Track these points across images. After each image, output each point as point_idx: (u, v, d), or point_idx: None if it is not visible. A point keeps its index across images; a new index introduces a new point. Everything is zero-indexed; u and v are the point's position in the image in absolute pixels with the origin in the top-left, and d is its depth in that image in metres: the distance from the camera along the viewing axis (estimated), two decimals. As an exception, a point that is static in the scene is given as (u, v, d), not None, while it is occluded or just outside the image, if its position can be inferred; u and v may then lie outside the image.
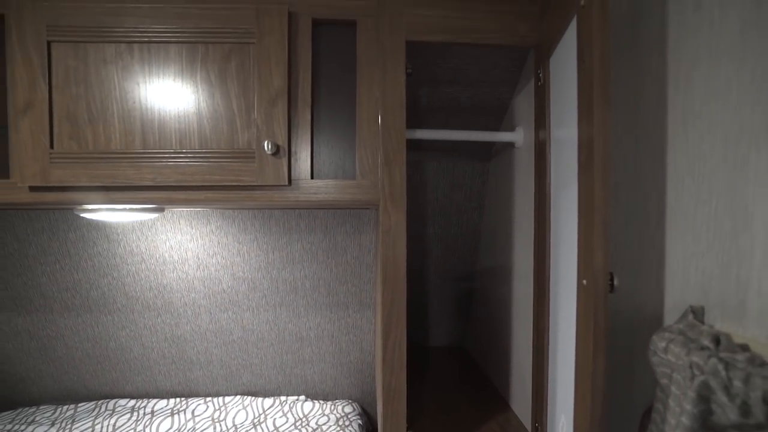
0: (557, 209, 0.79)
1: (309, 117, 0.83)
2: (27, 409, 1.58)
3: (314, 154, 0.83)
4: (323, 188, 0.83)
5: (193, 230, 1.39)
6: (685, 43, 0.67)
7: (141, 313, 1.50)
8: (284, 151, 0.80)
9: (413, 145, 0.96)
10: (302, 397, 1.62)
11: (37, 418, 1.51)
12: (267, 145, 0.79)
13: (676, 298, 0.68)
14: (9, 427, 1.46)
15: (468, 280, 1.70)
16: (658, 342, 0.58)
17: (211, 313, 1.51)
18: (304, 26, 0.84)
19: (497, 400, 1.33)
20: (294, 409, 1.54)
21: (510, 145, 1.15)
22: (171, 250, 1.40)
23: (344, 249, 1.41)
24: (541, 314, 0.87)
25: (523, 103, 1.08)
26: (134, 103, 0.81)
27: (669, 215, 0.70)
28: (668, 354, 0.55)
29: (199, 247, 1.40)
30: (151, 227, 1.37)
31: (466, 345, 1.79)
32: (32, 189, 0.80)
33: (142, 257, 1.41)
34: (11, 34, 0.79)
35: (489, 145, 1.35)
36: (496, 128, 1.27)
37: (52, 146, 0.79)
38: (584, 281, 0.60)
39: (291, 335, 1.55)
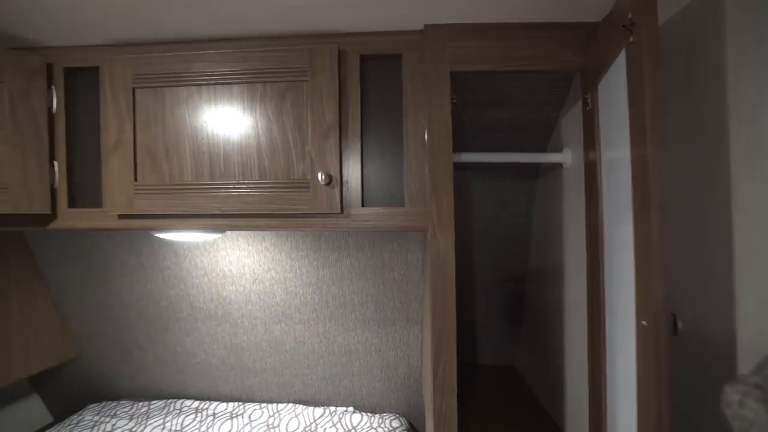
0: (612, 238, 0.76)
1: (359, 147, 0.87)
2: (109, 402, 1.76)
3: (364, 183, 0.87)
4: (373, 215, 0.86)
5: (250, 247, 1.48)
6: (747, 77, 0.63)
7: (204, 321, 1.62)
8: (336, 181, 0.85)
9: (458, 166, 0.97)
10: (351, 409, 1.67)
11: (118, 412, 1.69)
12: (320, 176, 0.84)
13: (749, 342, 0.63)
14: (96, 418, 1.64)
15: (516, 301, 1.66)
16: (732, 394, 0.54)
17: (265, 325, 1.60)
18: (352, 63, 0.88)
19: (548, 425, 1.28)
20: (343, 420, 1.59)
21: (558, 165, 1.13)
22: (230, 265, 1.51)
23: (391, 266, 1.44)
24: (596, 348, 0.84)
25: (571, 124, 1.05)
26: (203, 139, 0.90)
27: (738, 253, 0.65)
28: (744, 409, 0.51)
29: (256, 263, 1.50)
30: (213, 244, 1.49)
31: (516, 365, 1.74)
32: (120, 217, 0.92)
33: (205, 271, 1.53)
34: (104, 83, 0.91)
35: (536, 164, 1.32)
36: (543, 148, 1.24)
37: (136, 179, 0.90)
38: (644, 322, 0.57)
39: (340, 348, 1.60)
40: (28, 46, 0.92)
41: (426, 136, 0.85)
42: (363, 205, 0.87)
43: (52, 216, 0.93)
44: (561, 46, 0.85)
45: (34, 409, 1.87)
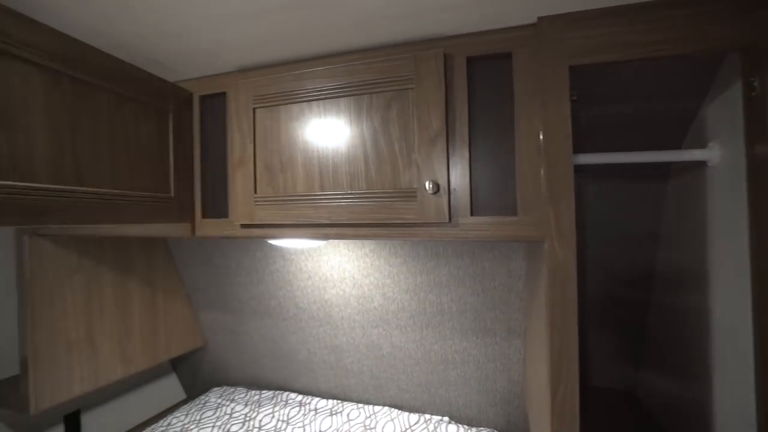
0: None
1: (467, 154, 0.83)
2: (228, 388, 1.98)
3: (473, 191, 0.83)
4: (483, 225, 0.82)
5: (351, 253, 1.54)
6: None
7: (307, 322, 1.72)
8: (444, 189, 0.82)
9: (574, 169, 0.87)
10: (446, 419, 1.63)
11: (236, 397, 1.88)
12: (428, 185, 0.82)
13: None
14: (219, 401, 1.85)
15: (639, 318, 1.46)
16: None
17: (364, 328, 1.64)
18: (459, 66, 0.85)
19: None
20: (438, 430, 1.56)
21: (699, 165, 0.95)
22: (332, 269, 1.58)
23: (492, 275, 1.37)
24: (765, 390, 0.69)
25: (720, 114, 0.88)
26: (313, 152, 0.94)
27: None
28: None
29: (355, 268, 1.55)
30: (316, 249, 1.57)
31: (638, 391, 1.53)
32: (242, 226, 1.01)
33: (308, 275, 1.63)
34: (230, 107, 1.02)
35: (664, 165, 1.14)
36: (675, 144, 1.06)
37: (255, 191, 0.99)
38: None
39: (437, 356, 1.57)
40: (176, 79, 1.07)
41: (541, 139, 0.78)
42: (472, 214, 0.83)
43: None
44: (711, 23, 0.72)
45: (173, 387, 2.19)
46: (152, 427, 1.68)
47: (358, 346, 1.69)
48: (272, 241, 1.31)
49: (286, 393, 1.88)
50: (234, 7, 0.75)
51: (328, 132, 0.93)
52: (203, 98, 1.07)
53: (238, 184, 1.00)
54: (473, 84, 0.86)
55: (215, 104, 1.06)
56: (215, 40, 0.87)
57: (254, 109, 0.99)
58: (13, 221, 0.67)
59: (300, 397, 1.85)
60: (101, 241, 1.47)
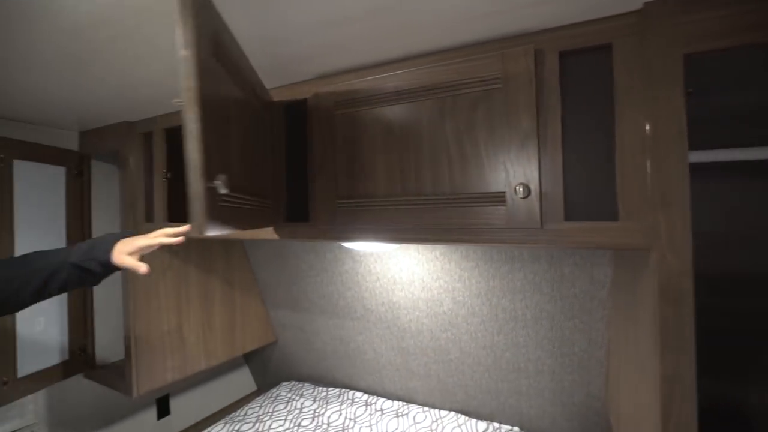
0: None
1: (560, 156, 0.78)
2: (297, 383, 2.06)
3: (567, 195, 0.78)
4: (578, 231, 0.76)
5: (420, 255, 1.52)
6: None
7: (375, 323, 1.74)
8: (535, 193, 0.78)
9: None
10: (516, 429, 1.56)
11: (304, 393, 1.95)
12: (517, 188, 0.78)
13: None
14: (289, 395, 1.93)
15: (751, 330, 1.29)
16: None
17: (432, 332, 1.62)
18: (550, 62, 0.80)
19: None
20: (510, 441, 1.50)
21: None
22: (401, 272, 1.58)
23: (572, 281, 1.29)
24: None
25: None
26: (395, 156, 0.94)
27: None
28: None
29: (425, 271, 1.53)
30: (386, 252, 1.58)
31: (746, 409, 1.36)
32: (323, 230, 1.04)
33: (377, 276, 1.64)
34: (311, 113, 1.05)
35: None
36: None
37: (336, 195, 1.01)
38: None
39: (508, 364, 1.51)
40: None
41: (649, 136, 0.71)
42: (566, 219, 0.78)
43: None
44: None
45: (245, 378, 2.32)
46: (231, 415, 1.79)
47: (425, 349, 1.67)
48: (345, 244, 1.34)
49: (352, 392, 1.91)
50: (323, 15, 0.77)
51: (409, 135, 0.93)
52: (286, 105, 1.11)
53: (320, 188, 1.03)
54: (566, 80, 0.80)
55: (295, 111, 1.10)
56: (304, 48, 0.90)
57: (335, 114, 1.01)
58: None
59: (366, 396, 1.87)
60: (188, 242, 1.59)
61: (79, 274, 0.88)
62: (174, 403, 1.93)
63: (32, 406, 1.43)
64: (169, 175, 1.37)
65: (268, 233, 1.12)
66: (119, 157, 1.44)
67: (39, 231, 1.39)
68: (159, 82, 1.08)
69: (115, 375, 1.47)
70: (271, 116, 1.08)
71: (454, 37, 0.85)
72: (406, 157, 0.93)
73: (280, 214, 1.10)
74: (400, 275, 1.59)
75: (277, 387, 2.03)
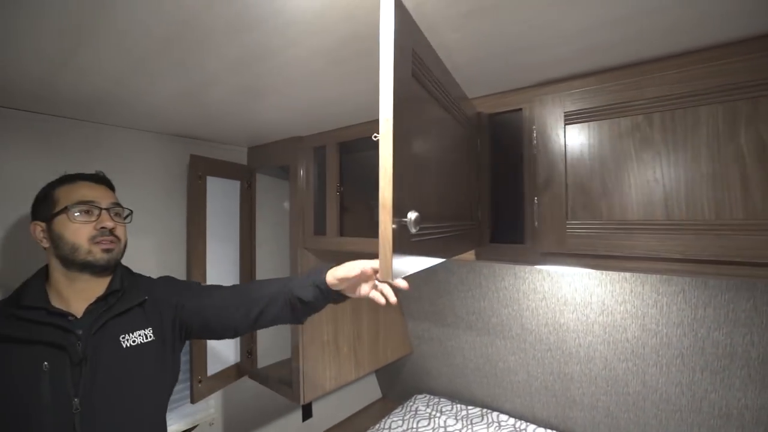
0: None
1: None
2: (432, 397, 1.99)
3: None
4: None
5: (603, 276, 1.36)
6: None
7: (533, 344, 1.61)
8: None
9: None
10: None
11: (443, 409, 1.87)
12: None
13: None
14: (428, 410, 1.87)
15: None
16: None
17: (606, 360, 1.45)
18: None
19: None
20: (715, 498, 1.29)
21: None
22: (574, 292, 1.43)
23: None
24: None
25: None
26: (651, 172, 0.80)
27: None
28: None
29: (607, 293, 1.37)
30: (558, 269, 1.44)
31: None
32: (545, 254, 0.93)
33: (543, 295, 1.51)
34: (527, 123, 0.95)
35: None
36: None
37: (567, 217, 0.89)
38: None
39: (711, 407, 1.29)
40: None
41: None
42: None
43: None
44: None
45: (372, 386, 2.32)
46: (374, 428, 1.77)
47: (595, 378, 1.50)
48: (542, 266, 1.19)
49: (496, 413, 1.80)
50: (597, 17, 0.66)
51: (673, 149, 0.79)
52: (492, 116, 1.02)
53: (544, 208, 0.92)
54: None
55: (505, 121, 1.01)
56: (550, 55, 0.80)
57: (565, 125, 0.90)
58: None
59: (512, 420, 1.75)
60: (337, 255, 1.58)
61: (293, 302, 0.90)
62: (315, 407, 1.97)
63: (213, 401, 1.53)
64: (342, 189, 1.36)
65: (467, 254, 1.04)
66: (290, 170, 1.47)
67: (221, 240, 1.47)
68: (340, 101, 1.08)
69: (282, 383, 1.50)
70: (475, 130, 1.00)
71: (744, 25, 0.69)
72: (668, 173, 0.79)
73: (485, 236, 1.02)
74: (573, 295, 1.44)
75: (413, 400, 1.98)
